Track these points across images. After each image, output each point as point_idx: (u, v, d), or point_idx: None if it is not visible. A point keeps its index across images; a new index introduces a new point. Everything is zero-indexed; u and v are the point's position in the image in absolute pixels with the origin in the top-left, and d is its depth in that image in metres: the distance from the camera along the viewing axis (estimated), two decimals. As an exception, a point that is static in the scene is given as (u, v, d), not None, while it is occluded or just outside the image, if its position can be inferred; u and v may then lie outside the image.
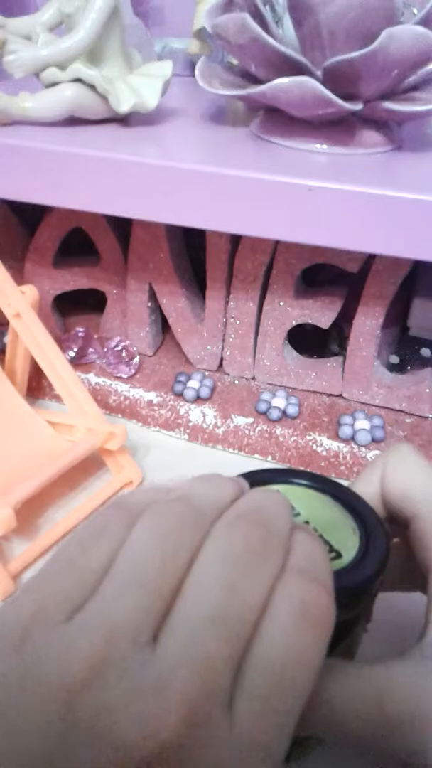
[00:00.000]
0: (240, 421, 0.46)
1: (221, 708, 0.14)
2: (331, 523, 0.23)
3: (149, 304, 0.49)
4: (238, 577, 0.16)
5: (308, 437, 0.44)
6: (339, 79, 0.34)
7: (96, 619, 0.15)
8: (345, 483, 0.24)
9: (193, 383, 0.47)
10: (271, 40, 0.33)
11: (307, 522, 0.23)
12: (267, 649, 0.16)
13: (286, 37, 0.36)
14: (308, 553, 0.18)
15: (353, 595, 0.20)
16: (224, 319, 0.47)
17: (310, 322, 0.45)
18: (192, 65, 0.53)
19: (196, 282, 0.50)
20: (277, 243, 0.43)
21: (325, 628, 0.17)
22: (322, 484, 0.24)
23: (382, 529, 0.22)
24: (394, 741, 0.18)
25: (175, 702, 0.14)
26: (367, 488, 0.24)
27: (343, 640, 0.22)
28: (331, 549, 0.21)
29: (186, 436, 0.47)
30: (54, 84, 0.39)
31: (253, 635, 0.16)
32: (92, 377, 0.49)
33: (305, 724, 0.19)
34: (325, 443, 0.44)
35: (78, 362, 0.50)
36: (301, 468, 0.26)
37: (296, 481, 0.24)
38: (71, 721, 0.14)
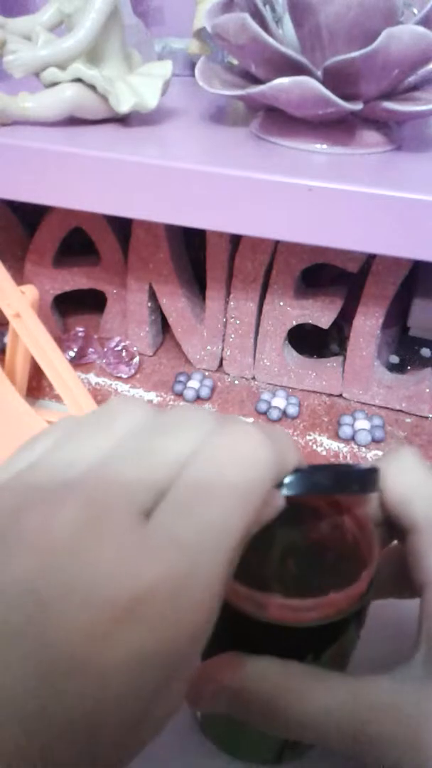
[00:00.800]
0: (240, 421, 0.46)
1: (127, 514, 0.15)
2: None
3: (149, 304, 0.49)
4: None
5: (308, 437, 0.44)
6: (339, 79, 0.34)
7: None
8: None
9: (193, 383, 0.47)
10: (271, 40, 0.33)
11: None
12: (191, 470, 0.16)
13: (286, 37, 0.36)
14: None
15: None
16: (224, 319, 0.47)
17: (310, 322, 0.45)
18: (192, 65, 0.53)
19: (196, 282, 0.50)
20: (277, 243, 0.43)
21: (249, 458, 0.17)
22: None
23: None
24: (372, 758, 0.18)
25: (74, 502, 0.15)
26: None
27: (334, 642, 0.22)
28: None
29: (186, 436, 0.47)
30: (54, 84, 0.39)
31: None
32: (92, 377, 0.49)
33: (290, 729, 0.19)
34: (325, 443, 0.44)
35: (78, 362, 0.50)
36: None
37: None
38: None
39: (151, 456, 0.17)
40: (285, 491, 0.18)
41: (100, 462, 0.17)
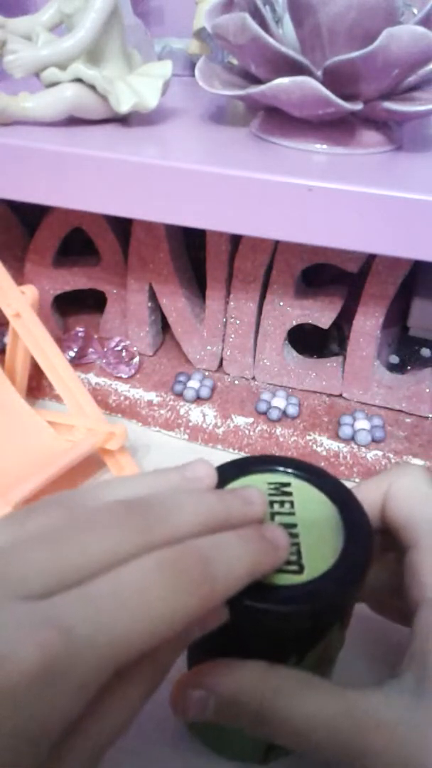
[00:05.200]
0: (240, 421, 0.46)
1: (10, 594, 0.15)
2: (318, 525, 0.23)
3: (149, 304, 0.49)
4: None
5: (308, 437, 0.44)
6: (339, 79, 0.34)
7: None
8: (346, 483, 0.24)
9: (193, 383, 0.47)
10: (271, 40, 0.33)
11: (295, 525, 0.23)
12: (116, 576, 0.16)
13: (286, 37, 0.36)
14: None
15: (289, 614, 0.20)
16: (224, 319, 0.47)
17: (310, 322, 0.45)
18: (192, 65, 0.53)
19: (196, 282, 0.50)
20: (277, 243, 0.43)
21: (183, 589, 0.17)
22: (326, 484, 0.24)
23: (366, 546, 0.22)
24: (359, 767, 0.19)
25: None
26: (368, 496, 0.24)
27: (317, 643, 0.21)
28: (295, 562, 0.21)
29: (186, 436, 0.47)
30: (54, 84, 0.39)
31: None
32: (92, 377, 0.49)
33: (279, 736, 0.19)
34: (325, 443, 0.44)
35: (78, 362, 0.50)
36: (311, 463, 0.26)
37: (302, 474, 0.25)
38: None
39: (63, 546, 0.17)
40: None
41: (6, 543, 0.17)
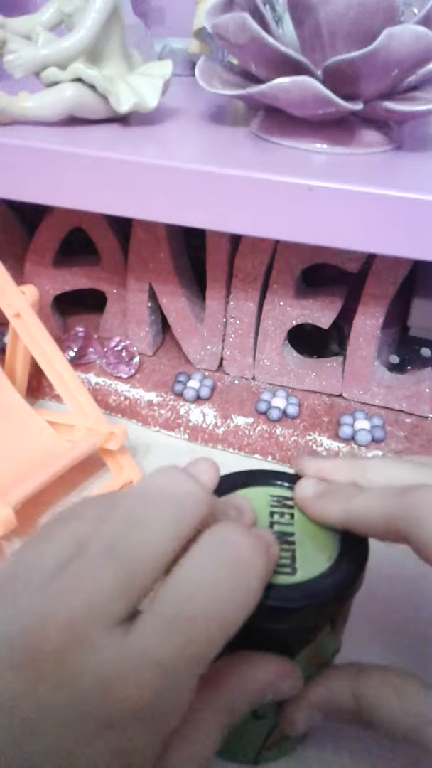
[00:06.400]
0: (240, 421, 0.46)
1: (104, 626, 0.16)
2: (316, 535, 0.23)
3: (149, 304, 0.49)
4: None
5: (308, 437, 0.44)
6: (339, 79, 0.34)
7: None
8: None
9: (193, 383, 0.47)
10: (271, 39, 0.33)
11: (292, 533, 0.23)
12: (180, 580, 0.17)
13: (286, 37, 0.36)
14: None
15: (280, 611, 0.20)
16: (224, 319, 0.47)
17: (310, 322, 0.45)
18: (192, 65, 0.53)
19: (196, 282, 0.50)
20: (277, 243, 0.43)
21: (242, 568, 0.18)
22: None
23: (360, 552, 0.22)
24: None
25: (56, 619, 0.16)
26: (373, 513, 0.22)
27: (309, 641, 0.22)
28: (289, 566, 0.22)
29: (186, 436, 0.47)
30: (54, 84, 0.39)
31: (171, 569, 0.17)
32: (92, 377, 0.49)
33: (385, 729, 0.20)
34: (325, 443, 0.44)
35: (78, 362, 0.50)
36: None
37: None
38: None
39: (127, 554, 0.17)
40: None
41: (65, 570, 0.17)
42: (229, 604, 0.17)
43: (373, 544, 0.23)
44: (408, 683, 0.21)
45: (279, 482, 0.25)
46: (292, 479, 0.25)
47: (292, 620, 0.21)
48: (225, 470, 0.25)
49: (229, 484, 0.25)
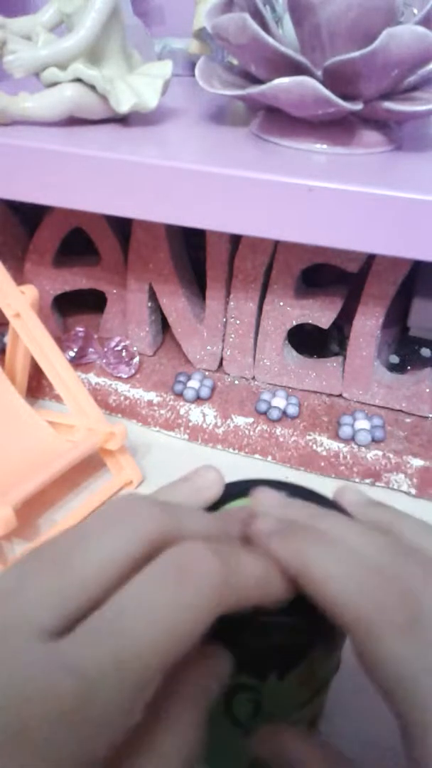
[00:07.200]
0: (240, 421, 0.46)
1: (31, 633, 0.16)
2: None
3: (149, 304, 0.49)
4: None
5: (308, 437, 0.44)
6: (339, 79, 0.34)
7: None
8: (344, 483, 0.24)
9: (193, 383, 0.47)
10: (271, 40, 0.33)
11: None
12: (118, 596, 0.17)
13: (286, 37, 0.36)
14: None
15: (266, 626, 0.19)
16: (224, 319, 0.47)
17: (310, 322, 0.45)
18: (192, 65, 0.53)
19: (196, 282, 0.50)
20: (277, 243, 0.43)
21: (189, 581, 0.17)
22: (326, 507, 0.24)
23: None
24: None
25: None
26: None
27: (299, 661, 0.21)
28: None
29: (186, 436, 0.47)
30: (54, 84, 0.39)
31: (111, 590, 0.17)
32: (92, 377, 0.49)
33: None
34: (325, 443, 0.44)
35: (78, 362, 0.50)
36: (305, 486, 0.26)
37: (302, 497, 0.24)
38: None
39: (65, 570, 0.17)
40: None
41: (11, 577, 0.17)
42: (165, 619, 0.16)
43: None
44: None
45: (283, 492, 0.24)
46: (296, 489, 0.24)
47: (278, 635, 0.20)
48: (225, 471, 0.25)
49: (233, 492, 0.24)
